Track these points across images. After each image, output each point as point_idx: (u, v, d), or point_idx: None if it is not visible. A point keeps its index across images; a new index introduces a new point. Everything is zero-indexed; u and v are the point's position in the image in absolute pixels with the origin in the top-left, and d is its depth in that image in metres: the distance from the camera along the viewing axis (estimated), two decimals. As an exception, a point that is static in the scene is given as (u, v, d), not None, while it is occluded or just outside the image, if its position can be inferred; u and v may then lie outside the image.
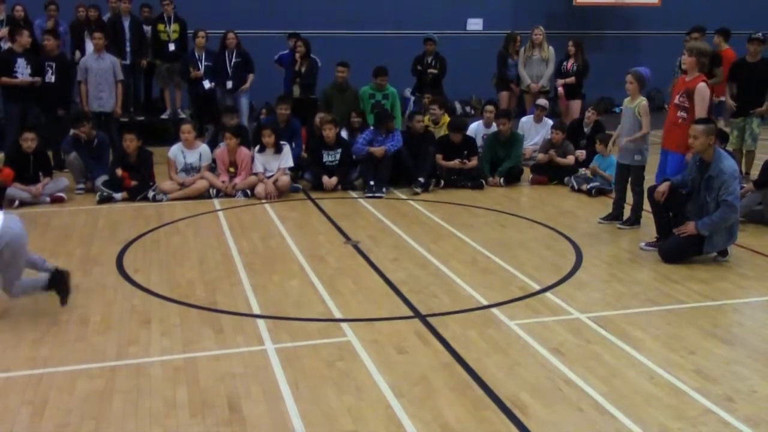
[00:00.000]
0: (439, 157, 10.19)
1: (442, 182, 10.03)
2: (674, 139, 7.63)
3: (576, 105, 12.19)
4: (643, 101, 7.91)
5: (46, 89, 10.44)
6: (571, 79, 12.13)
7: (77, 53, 11.97)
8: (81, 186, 9.61)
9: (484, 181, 10.14)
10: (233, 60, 11.69)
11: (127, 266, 6.76)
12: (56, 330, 5.36)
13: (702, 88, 7.46)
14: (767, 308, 6.08)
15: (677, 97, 7.67)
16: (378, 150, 9.87)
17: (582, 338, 5.27)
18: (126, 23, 11.95)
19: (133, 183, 9.22)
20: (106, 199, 9.05)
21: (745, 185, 8.53)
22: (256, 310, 5.75)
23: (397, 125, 11.03)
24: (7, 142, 10.16)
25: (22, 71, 10.31)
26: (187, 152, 9.63)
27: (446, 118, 11.09)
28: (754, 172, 9.24)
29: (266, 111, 10.80)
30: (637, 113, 7.86)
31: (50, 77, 10.47)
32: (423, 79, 12.38)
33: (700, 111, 7.42)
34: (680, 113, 7.57)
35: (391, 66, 11.42)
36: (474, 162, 10.20)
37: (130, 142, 9.31)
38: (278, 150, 9.58)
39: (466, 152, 10.24)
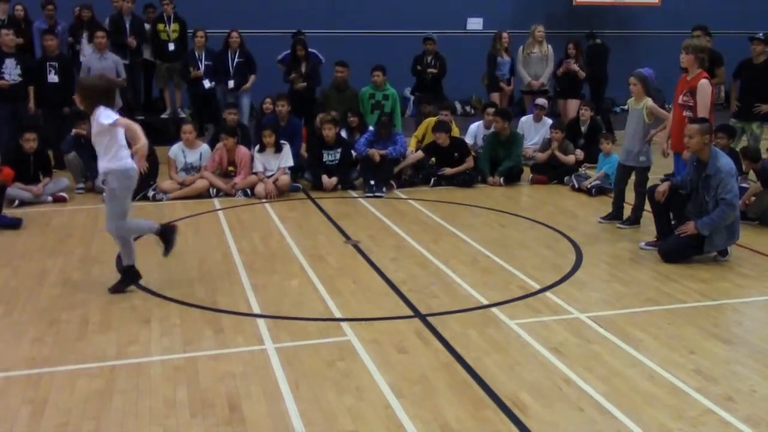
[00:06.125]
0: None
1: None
2: (682, 139, 7.28)
3: (574, 104, 12.17)
4: (648, 101, 7.88)
5: (49, 89, 10.44)
6: (582, 73, 12.10)
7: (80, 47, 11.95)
8: (81, 186, 9.61)
9: (480, 179, 10.15)
10: (236, 60, 11.70)
11: (127, 266, 6.76)
12: (56, 330, 5.36)
13: (704, 85, 7.43)
14: (767, 308, 6.08)
15: (680, 96, 7.62)
16: (374, 153, 9.87)
17: (582, 338, 5.27)
18: (127, 22, 11.95)
19: None
20: None
21: (744, 185, 8.52)
22: (256, 310, 5.76)
23: (398, 128, 11.03)
24: (1, 142, 10.16)
25: (10, 72, 10.29)
26: (188, 152, 9.65)
27: (455, 129, 10.81)
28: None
29: (270, 101, 10.76)
30: (646, 115, 7.84)
31: (53, 77, 10.48)
32: (423, 79, 12.37)
33: (702, 108, 7.37)
34: (685, 113, 7.49)
35: (391, 66, 11.41)
36: (469, 164, 10.18)
37: None
38: (278, 149, 9.58)
39: (456, 155, 10.22)
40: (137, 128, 5.87)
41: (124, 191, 5.95)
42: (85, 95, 5.89)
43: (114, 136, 5.86)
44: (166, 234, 6.27)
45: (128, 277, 6.14)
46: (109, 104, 5.95)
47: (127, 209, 6.04)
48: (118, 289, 6.07)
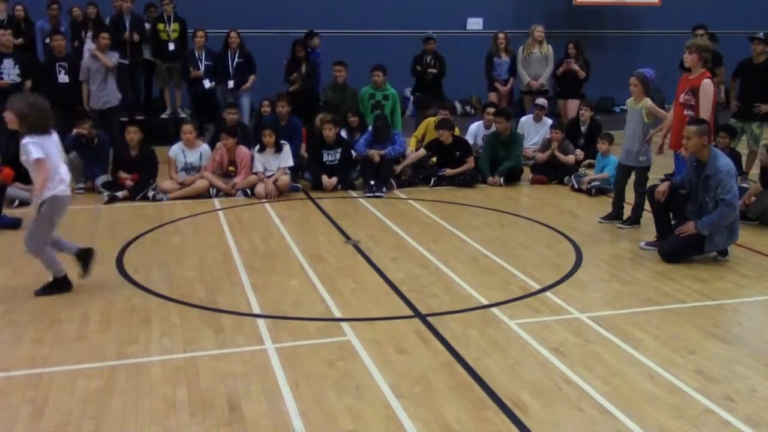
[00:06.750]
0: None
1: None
2: (682, 138, 7.24)
3: (574, 104, 12.17)
4: (648, 101, 7.88)
5: (60, 89, 10.43)
6: (582, 73, 12.11)
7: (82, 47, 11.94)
8: (81, 186, 9.59)
9: (480, 179, 10.15)
10: (235, 60, 11.71)
11: (127, 266, 6.77)
12: (56, 330, 5.36)
13: (706, 85, 7.41)
14: (767, 308, 6.08)
15: (682, 95, 7.60)
16: (374, 153, 9.87)
17: (582, 338, 5.27)
18: (127, 21, 11.95)
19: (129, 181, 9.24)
20: (111, 200, 9.06)
21: (744, 185, 8.52)
22: (256, 310, 5.76)
23: (398, 128, 11.03)
24: (0, 142, 10.14)
25: (9, 72, 10.28)
26: (188, 152, 9.65)
27: (456, 131, 10.70)
28: (754, 171, 9.21)
29: (269, 103, 10.77)
30: (645, 115, 7.84)
31: (64, 77, 10.48)
32: (423, 79, 12.37)
33: (704, 108, 7.35)
34: (687, 112, 7.48)
35: (391, 66, 11.41)
36: (470, 164, 10.17)
37: (134, 134, 9.35)
38: (278, 149, 9.59)
39: (458, 153, 10.22)
40: (43, 180, 5.76)
41: (56, 218, 5.93)
42: (21, 117, 5.73)
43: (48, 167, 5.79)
44: (85, 257, 6.17)
45: (57, 286, 6.04)
46: (45, 132, 5.81)
47: (49, 235, 5.99)
48: (43, 292, 5.99)
